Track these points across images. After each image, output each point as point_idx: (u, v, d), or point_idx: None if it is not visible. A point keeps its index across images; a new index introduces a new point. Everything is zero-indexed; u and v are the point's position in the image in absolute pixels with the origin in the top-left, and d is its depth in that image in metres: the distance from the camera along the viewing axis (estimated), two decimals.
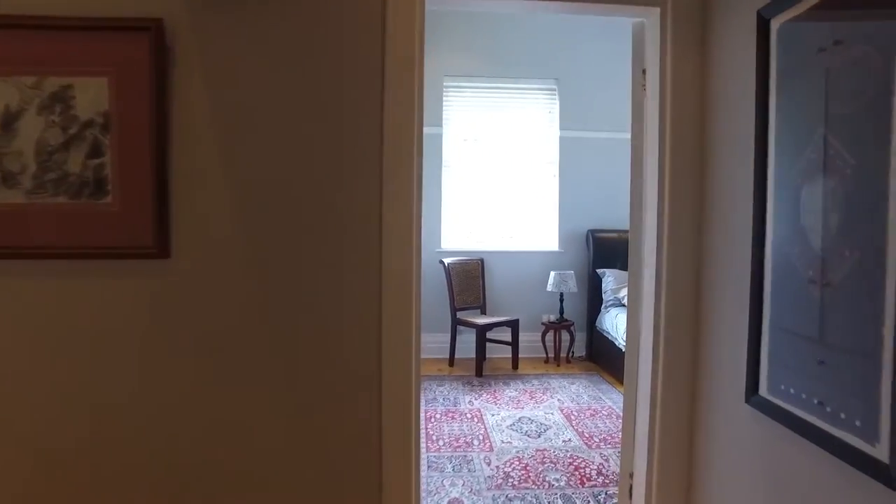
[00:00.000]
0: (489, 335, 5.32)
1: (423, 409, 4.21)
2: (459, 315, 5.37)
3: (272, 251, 1.91)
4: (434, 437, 3.64)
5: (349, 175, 1.92)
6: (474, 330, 5.13)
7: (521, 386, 4.81)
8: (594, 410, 4.19)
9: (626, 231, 5.69)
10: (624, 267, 5.58)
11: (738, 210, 1.80)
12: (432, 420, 3.97)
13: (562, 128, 5.83)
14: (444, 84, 5.68)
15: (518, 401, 4.41)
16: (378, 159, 1.91)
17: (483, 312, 5.61)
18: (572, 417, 4.03)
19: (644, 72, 2.23)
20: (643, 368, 2.22)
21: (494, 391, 4.65)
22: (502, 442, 3.58)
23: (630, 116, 2.36)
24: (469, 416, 4.07)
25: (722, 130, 1.92)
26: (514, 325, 5.28)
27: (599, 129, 5.77)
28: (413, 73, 1.89)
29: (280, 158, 1.90)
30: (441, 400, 4.41)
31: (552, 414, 4.11)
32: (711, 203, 1.98)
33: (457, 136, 5.81)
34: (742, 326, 1.74)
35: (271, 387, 1.92)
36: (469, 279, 5.56)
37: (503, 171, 5.87)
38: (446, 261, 5.42)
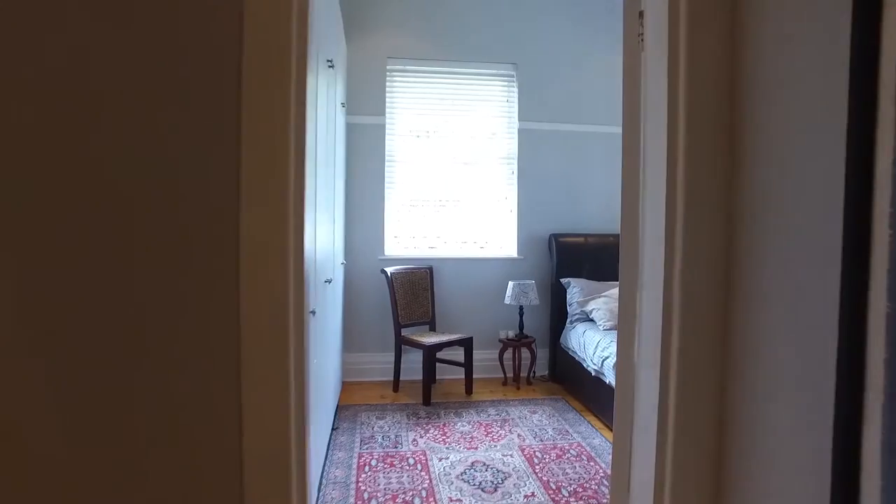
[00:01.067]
0: (439, 355, 4.63)
1: (356, 451, 3.48)
2: (405, 333, 4.65)
3: (53, 277, 1.18)
4: (366, 496, 2.91)
5: (183, 155, 1.20)
6: (422, 350, 4.43)
7: (476, 417, 4.12)
8: (561, 449, 3.53)
9: (593, 234, 5.09)
10: (591, 276, 4.97)
11: (804, 213, 1.15)
12: (366, 468, 3.24)
13: (521, 119, 5.16)
14: (388, 67, 4.94)
15: (471, 438, 3.72)
16: (235, 140, 1.21)
17: (432, 329, 4.90)
18: (535, 460, 3.37)
19: (641, 15, 1.57)
20: (641, 440, 1.56)
21: (444, 425, 3.96)
22: (450, 500, 2.88)
23: (621, 91, 1.72)
24: (412, 461, 3.35)
25: (773, 95, 1.27)
26: (467, 344, 4.59)
27: (563, 120, 5.11)
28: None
29: (70, 126, 1.17)
30: (380, 439, 3.69)
31: (511, 455, 3.44)
32: (753, 202, 1.33)
33: (403, 127, 5.09)
34: (821, 397, 1.09)
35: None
36: (416, 291, 4.85)
37: (455, 167, 5.18)
38: (389, 270, 4.69)
